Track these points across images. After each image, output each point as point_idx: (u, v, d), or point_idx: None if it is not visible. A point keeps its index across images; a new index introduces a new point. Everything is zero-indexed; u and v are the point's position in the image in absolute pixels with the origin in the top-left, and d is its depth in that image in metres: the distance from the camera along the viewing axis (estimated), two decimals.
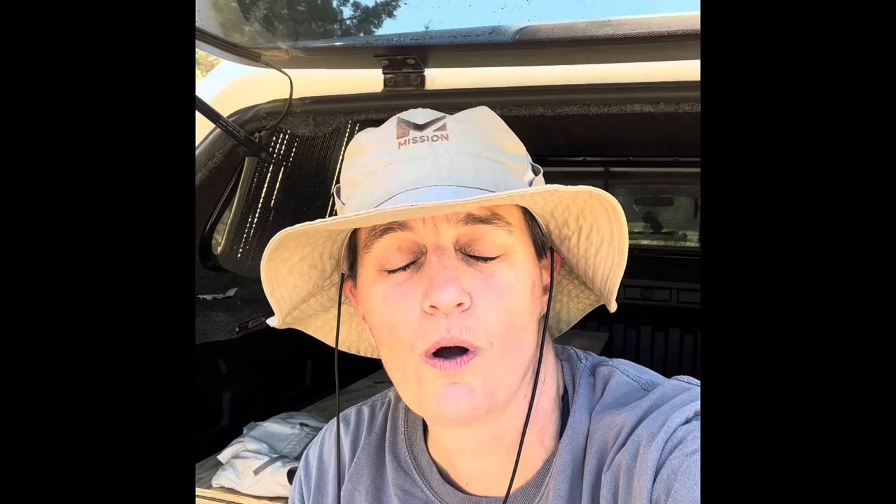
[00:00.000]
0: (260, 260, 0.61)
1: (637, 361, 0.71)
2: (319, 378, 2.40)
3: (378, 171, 0.62)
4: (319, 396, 2.31)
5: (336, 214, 0.62)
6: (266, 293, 0.65)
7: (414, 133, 0.62)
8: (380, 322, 0.62)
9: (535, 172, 0.66)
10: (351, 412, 0.80)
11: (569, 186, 0.56)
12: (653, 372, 0.70)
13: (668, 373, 0.68)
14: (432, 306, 0.57)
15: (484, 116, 0.65)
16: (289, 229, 0.57)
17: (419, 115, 0.64)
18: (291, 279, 0.66)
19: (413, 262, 0.60)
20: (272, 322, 0.68)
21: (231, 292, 1.85)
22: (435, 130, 0.62)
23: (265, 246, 0.59)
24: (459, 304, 0.57)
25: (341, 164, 2.20)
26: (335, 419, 0.77)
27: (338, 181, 0.68)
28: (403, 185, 0.60)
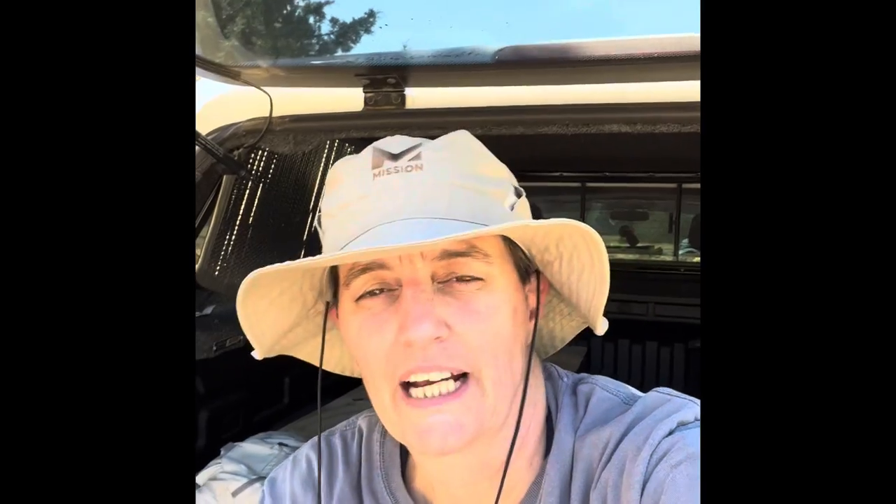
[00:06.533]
0: (238, 277, 0.62)
1: (616, 374, 0.72)
2: (298, 395, 2.37)
3: (352, 205, 0.62)
4: (298, 414, 2.29)
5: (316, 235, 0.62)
6: (244, 329, 0.64)
7: (388, 163, 0.61)
8: (357, 352, 0.62)
9: (518, 195, 0.65)
10: (321, 443, 0.75)
11: (542, 221, 0.56)
12: (631, 387, 0.70)
13: (647, 385, 0.68)
14: (408, 342, 0.57)
15: (461, 142, 0.64)
16: (260, 270, 0.57)
17: (395, 143, 0.63)
18: (272, 313, 0.65)
19: (388, 290, 0.60)
20: (255, 354, 0.68)
21: (208, 310, 1.83)
22: (409, 160, 0.61)
23: (243, 263, 0.60)
24: (438, 338, 0.57)
25: (321, 184, 2.21)
26: (302, 452, 0.75)
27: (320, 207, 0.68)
28: (376, 220, 0.59)
